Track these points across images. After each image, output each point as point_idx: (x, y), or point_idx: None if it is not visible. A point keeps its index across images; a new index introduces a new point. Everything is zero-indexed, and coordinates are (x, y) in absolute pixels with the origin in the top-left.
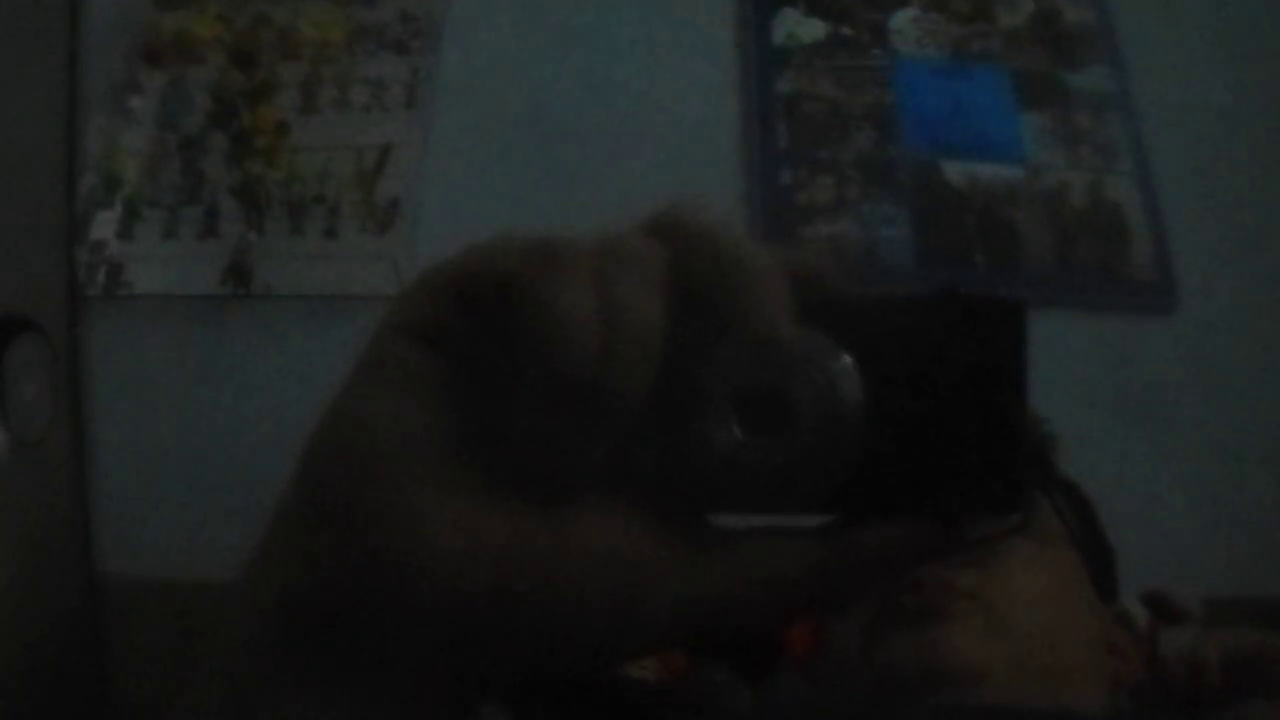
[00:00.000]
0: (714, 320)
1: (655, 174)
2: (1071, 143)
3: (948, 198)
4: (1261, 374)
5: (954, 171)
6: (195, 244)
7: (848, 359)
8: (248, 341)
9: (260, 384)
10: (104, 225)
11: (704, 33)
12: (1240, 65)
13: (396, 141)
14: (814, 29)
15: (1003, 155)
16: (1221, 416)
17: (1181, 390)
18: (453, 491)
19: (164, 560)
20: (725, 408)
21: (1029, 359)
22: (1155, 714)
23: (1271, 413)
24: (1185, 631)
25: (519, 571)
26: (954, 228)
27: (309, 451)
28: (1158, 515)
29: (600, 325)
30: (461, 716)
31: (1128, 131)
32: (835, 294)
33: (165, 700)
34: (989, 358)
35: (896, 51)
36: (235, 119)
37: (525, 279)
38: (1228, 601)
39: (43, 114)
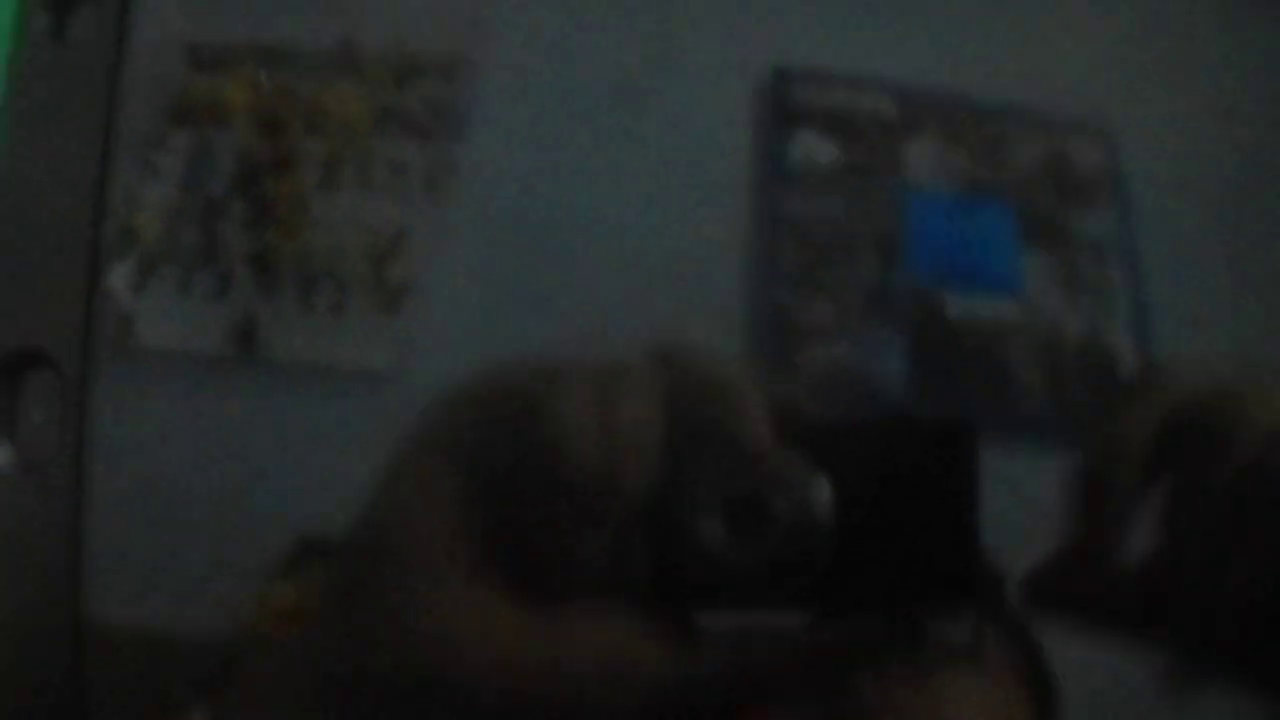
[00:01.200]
0: (704, 439)
1: (659, 288)
2: (1070, 284)
3: (946, 330)
4: None
5: (954, 304)
6: (206, 305)
7: (819, 476)
8: (250, 406)
9: (258, 448)
10: (117, 277)
11: (719, 152)
12: (1248, 221)
13: (412, 226)
14: (828, 153)
15: (1003, 292)
16: None
17: None
18: (471, 593)
19: (147, 613)
20: (713, 513)
21: (979, 476)
22: None
23: None
24: None
25: (526, 664)
26: (950, 360)
27: (343, 551)
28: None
29: (605, 441)
30: None
31: (1126, 277)
32: (808, 419)
33: None
34: (940, 475)
35: (907, 182)
36: (257, 187)
37: (539, 400)
38: None
39: (77, 165)
